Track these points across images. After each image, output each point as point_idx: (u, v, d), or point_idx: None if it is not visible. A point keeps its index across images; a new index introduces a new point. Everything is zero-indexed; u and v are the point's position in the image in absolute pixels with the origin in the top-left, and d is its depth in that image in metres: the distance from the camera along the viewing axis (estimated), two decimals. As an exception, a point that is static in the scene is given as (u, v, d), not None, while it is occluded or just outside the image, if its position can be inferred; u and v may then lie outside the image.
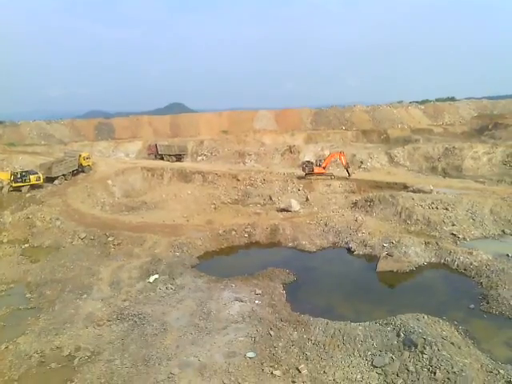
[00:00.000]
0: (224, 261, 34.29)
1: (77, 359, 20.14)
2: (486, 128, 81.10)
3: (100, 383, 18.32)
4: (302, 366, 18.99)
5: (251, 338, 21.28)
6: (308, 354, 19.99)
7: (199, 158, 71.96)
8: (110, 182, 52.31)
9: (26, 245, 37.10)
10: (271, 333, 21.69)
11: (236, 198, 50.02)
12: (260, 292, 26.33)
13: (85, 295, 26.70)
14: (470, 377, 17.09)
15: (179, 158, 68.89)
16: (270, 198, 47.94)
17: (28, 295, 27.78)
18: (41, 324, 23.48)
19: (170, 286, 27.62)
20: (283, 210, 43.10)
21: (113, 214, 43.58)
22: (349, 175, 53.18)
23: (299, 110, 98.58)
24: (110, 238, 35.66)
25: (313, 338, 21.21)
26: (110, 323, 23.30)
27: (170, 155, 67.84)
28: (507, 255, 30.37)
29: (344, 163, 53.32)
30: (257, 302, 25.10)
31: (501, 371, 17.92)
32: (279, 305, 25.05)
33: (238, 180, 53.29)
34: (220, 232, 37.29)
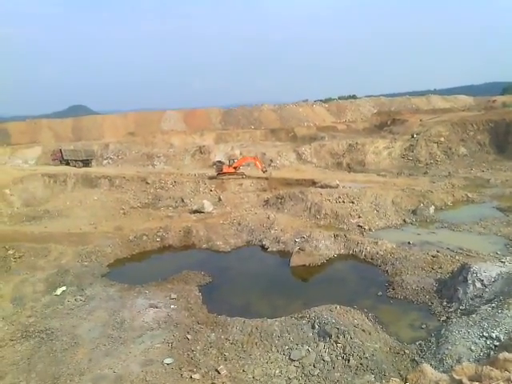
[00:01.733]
0: (136, 267, 33.14)
1: (-25, 388, 18.40)
2: (385, 124, 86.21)
3: (3, 410, 16.89)
4: (221, 366, 18.85)
5: (168, 343, 20.76)
6: (226, 354, 19.90)
7: (105, 161, 69.27)
8: (7, 191, 48.60)
9: None
10: (188, 337, 21.32)
11: (146, 201, 48.66)
12: (175, 296, 25.78)
13: (-18, 316, 24.48)
14: (380, 360, 18.03)
15: (86, 163, 65.20)
16: (182, 200, 47.25)
17: None
18: None
19: (79, 297, 26.15)
20: (196, 211, 42.65)
21: (12, 225, 40.50)
22: (267, 177, 53.64)
23: (208, 110, 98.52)
24: (10, 252, 32.96)
25: (231, 337, 21.17)
26: (14, 343, 21.52)
27: (76, 160, 64.10)
28: (408, 243, 32.46)
29: (260, 167, 53.88)
30: (172, 306, 24.56)
31: (406, 351, 19.10)
32: (195, 308, 24.71)
33: (148, 183, 51.94)
34: (130, 238, 36.02)
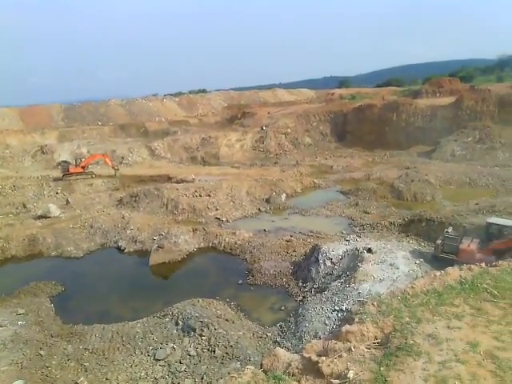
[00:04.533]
0: (-26, 285, 29.38)
1: None
2: (235, 117, 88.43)
3: None
4: (82, 379, 17.68)
5: (17, 364, 18.74)
6: (87, 364, 18.72)
7: None
8: None
9: None
10: (41, 353, 19.55)
11: (-20, 210, 43.33)
12: (23, 311, 23.40)
13: None
14: (245, 346, 18.49)
15: None
16: (24, 206, 42.92)
17: None
18: None
19: None
20: (41, 216, 39.08)
21: None
22: (115, 174, 51.37)
23: (48, 107, 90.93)
24: None
25: (90, 346, 19.97)
26: None
27: None
28: (264, 230, 33.87)
29: (110, 164, 51.36)
30: (20, 323, 22.24)
31: (268, 334, 19.93)
32: (48, 320, 22.75)
33: (-19, 189, 46.29)
34: (-37, 253, 31.81)
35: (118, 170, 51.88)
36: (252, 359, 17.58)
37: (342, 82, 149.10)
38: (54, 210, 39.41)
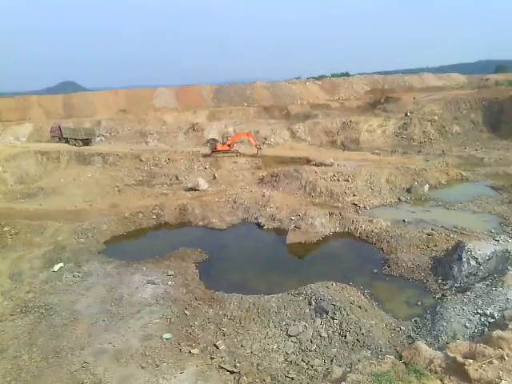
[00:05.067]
0: (133, 244, 33.24)
1: (-22, 360, 18.60)
2: (378, 102, 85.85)
3: (6, 382, 17.08)
4: (220, 342, 19.15)
5: (166, 319, 21.03)
6: (225, 329, 20.20)
7: (97, 139, 68.41)
8: (0, 168, 48.22)
9: None
10: (186, 312, 21.60)
11: (141, 179, 48.47)
12: (172, 273, 25.99)
13: (-19, 292, 24.58)
14: (377, 336, 18.39)
15: (86, 142, 63.31)
16: (177, 178, 47.14)
17: None
18: None
19: (76, 273, 26.31)
20: (191, 189, 42.67)
21: (7, 203, 40.34)
22: (257, 153, 53.75)
23: (200, 87, 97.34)
24: (5, 228, 32.90)
25: (228, 313, 21.47)
26: (14, 317, 21.70)
27: (76, 139, 62.55)
28: (403, 221, 32.76)
29: (254, 143, 53.91)
30: (170, 283, 24.78)
31: (402, 328, 19.47)
32: (193, 284, 24.95)
33: (142, 160, 51.62)
34: (126, 215, 36.01)
35: (260, 149, 54.01)
36: (383, 350, 17.45)
37: (499, 67, 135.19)
38: (203, 184, 42.62)
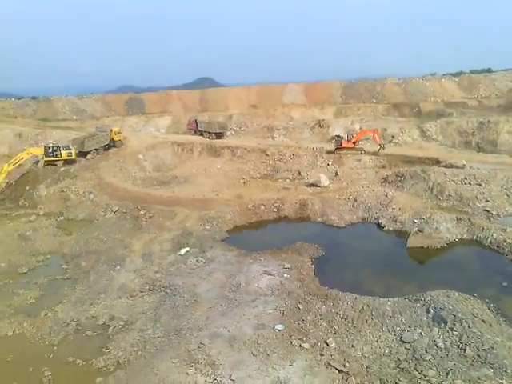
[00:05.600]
0: (253, 235, 34.62)
1: (111, 328, 21.00)
2: (523, 101, 77.95)
3: (133, 351, 19.04)
4: (331, 339, 19.23)
5: (280, 310, 21.61)
6: (336, 327, 20.20)
7: (228, 132, 71.76)
8: (141, 156, 53.02)
9: (61, 217, 38.36)
10: (300, 306, 21.96)
11: (265, 172, 49.98)
12: (289, 266, 26.56)
13: (118, 267, 27.55)
14: (501, 354, 16.95)
15: (219, 135, 66.75)
16: (299, 173, 47.76)
17: (64, 266, 28.96)
18: (77, 294, 24.50)
19: (200, 258, 28.16)
20: (312, 184, 42.94)
21: (144, 188, 44.34)
22: (378, 151, 52.19)
23: (329, 84, 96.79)
24: (141, 212, 36.38)
25: (341, 312, 21.39)
26: (143, 294, 24.03)
27: (209, 132, 66.34)
28: (543, 232, 29.62)
29: (378, 141, 52.29)
30: (285, 275, 25.36)
31: (532, 349, 17.74)
32: (308, 279, 25.26)
33: (267, 155, 53.11)
34: (249, 206, 37.53)
35: (383, 148, 52.29)
36: (509, 371, 16.03)
37: None
38: (324, 180, 42.65)
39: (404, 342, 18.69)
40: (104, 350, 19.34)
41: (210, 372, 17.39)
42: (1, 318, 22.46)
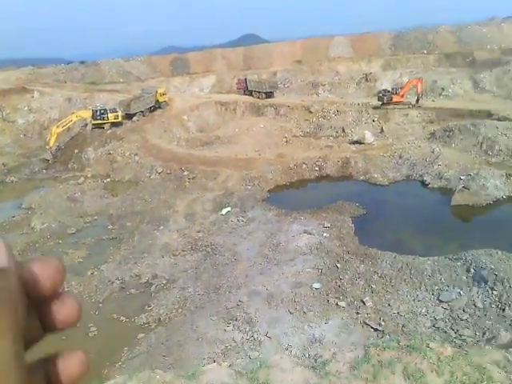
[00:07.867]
0: (294, 194, 34.69)
1: (153, 286, 22.02)
2: None
3: (174, 308, 19.96)
4: (367, 298, 19.39)
5: (318, 269, 21.88)
6: (374, 286, 20.29)
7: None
8: (185, 117, 53.50)
9: (108, 179, 39.75)
10: (338, 265, 22.13)
11: (308, 130, 49.32)
12: (328, 225, 26.61)
13: (162, 227, 28.51)
14: (543, 316, 16.60)
15: (269, 94, 63.91)
16: (343, 130, 46.80)
17: (110, 226, 30.24)
18: (121, 253, 25.68)
19: (241, 218, 28.67)
20: (356, 142, 42.10)
21: (188, 149, 44.96)
22: (416, 103, 49.91)
23: (377, 35, 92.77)
24: (185, 173, 37.08)
25: (379, 271, 21.41)
26: (185, 253, 24.90)
27: (259, 92, 64.92)
28: None
29: (419, 90, 49.94)
30: (325, 234, 25.47)
31: None
32: (347, 238, 25.29)
33: (311, 112, 52.24)
34: (291, 166, 37.43)
35: (421, 98, 49.98)
36: (547, 331, 15.75)
37: None
38: (369, 137, 41.69)
39: (441, 301, 18.60)
40: (146, 307, 20.41)
41: (247, 329, 18.07)
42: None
